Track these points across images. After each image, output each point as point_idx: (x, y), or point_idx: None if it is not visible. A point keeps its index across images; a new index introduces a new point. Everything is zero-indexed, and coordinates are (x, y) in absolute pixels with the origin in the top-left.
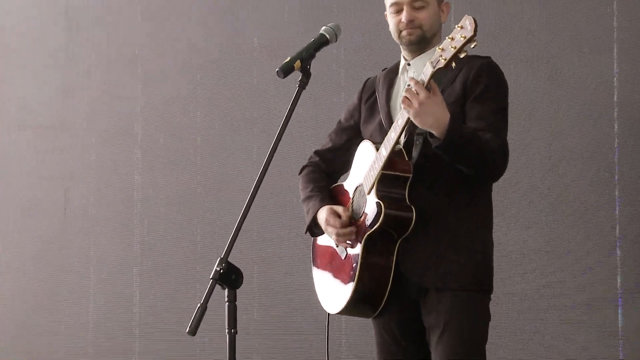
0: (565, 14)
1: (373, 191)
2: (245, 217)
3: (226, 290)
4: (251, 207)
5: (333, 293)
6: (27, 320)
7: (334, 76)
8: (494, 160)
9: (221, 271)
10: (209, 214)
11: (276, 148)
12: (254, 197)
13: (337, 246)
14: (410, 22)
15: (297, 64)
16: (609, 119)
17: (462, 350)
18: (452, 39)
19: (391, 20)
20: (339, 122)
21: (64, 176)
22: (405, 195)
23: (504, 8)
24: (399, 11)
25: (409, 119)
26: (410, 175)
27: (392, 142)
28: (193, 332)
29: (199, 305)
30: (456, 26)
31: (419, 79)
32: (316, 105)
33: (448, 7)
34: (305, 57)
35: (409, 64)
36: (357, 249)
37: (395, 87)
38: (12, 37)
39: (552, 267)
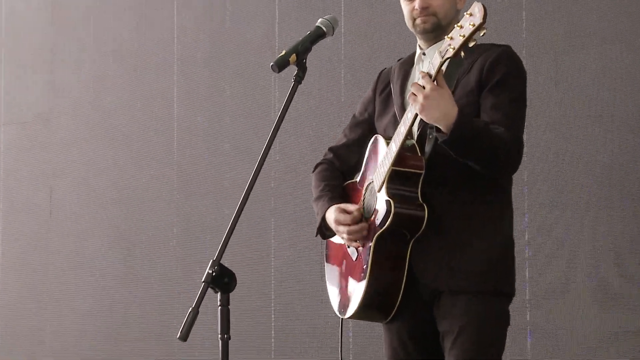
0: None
1: (383, 188)
2: (238, 218)
3: (219, 294)
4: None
5: (344, 297)
6: (13, 323)
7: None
8: (507, 156)
9: (213, 274)
10: (201, 213)
11: (271, 145)
12: (248, 197)
13: (349, 247)
14: (424, 9)
15: (293, 57)
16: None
17: (477, 357)
18: (461, 27)
19: (405, 7)
20: (354, 116)
21: (50, 174)
22: (417, 192)
23: None
24: None
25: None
26: (423, 172)
27: (401, 137)
28: (184, 337)
29: (190, 309)
30: (465, 13)
31: (427, 70)
32: (313, 101)
33: None
34: (301, 51)
35: (424, 54)
36: (369, 250)
37: (410, 78)
38: None
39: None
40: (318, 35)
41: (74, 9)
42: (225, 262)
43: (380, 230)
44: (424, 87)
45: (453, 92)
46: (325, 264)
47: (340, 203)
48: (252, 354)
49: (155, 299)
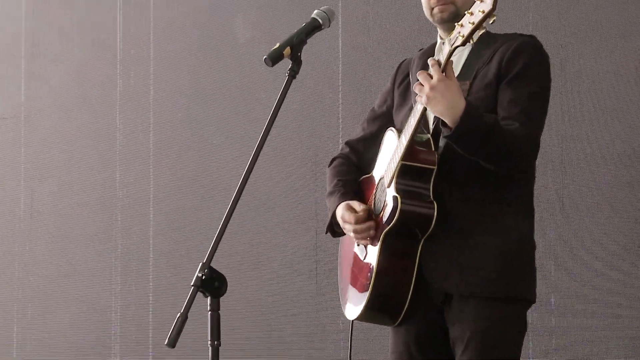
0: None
1: (393, 184)
2: (229, 219)
3: (209, 298)
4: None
5: (352, 298)
6: None
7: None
8: (519, 155)
9: (203, 277)
10: (190, 213)
11: (264, 142)
12: (239, 197)
13: (358, 245)
14: None
15: (287, 50)
16: None
17: None
18: (471, 13)
19: None
20: (372, 109)
21: (30, 173)
22: (429, 189)
23: None
24: None
25: None
26: (435, 168)
27: (411, 129)
28: (172, 343)
29: (178, 314)
30: (476, 0)
31: (437, 59)
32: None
33: None
34: (296, 44)
35: (443, 43)
36: (376, 249)
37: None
38: None
39: None
40: (314, 27)
41: None
42: (215, 265)
43: (387, 228)
44: (432, 77)
45: (471, 84)
46: (338, 264)
47: (352, 199)
48: None
49: (143, 304)
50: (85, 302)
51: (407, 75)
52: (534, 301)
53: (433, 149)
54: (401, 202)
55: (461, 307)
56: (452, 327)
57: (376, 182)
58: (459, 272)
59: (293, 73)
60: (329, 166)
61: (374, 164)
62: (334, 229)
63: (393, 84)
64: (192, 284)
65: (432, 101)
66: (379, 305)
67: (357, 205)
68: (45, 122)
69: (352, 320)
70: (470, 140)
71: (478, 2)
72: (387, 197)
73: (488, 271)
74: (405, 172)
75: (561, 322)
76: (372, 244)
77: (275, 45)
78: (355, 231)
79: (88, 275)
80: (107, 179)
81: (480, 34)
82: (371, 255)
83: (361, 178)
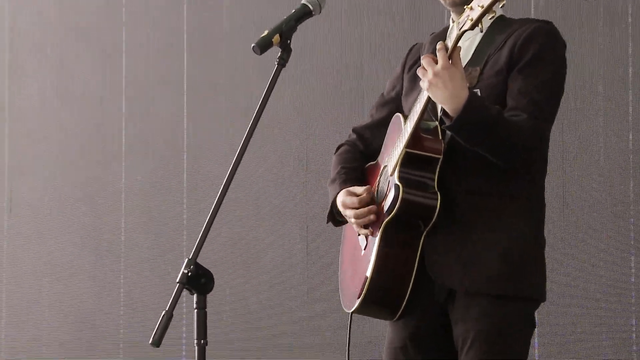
0: None
1: (396, 172)
2: (216, 214)
3: (195, 295)
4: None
5: (350, 289)
6: None
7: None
8: (524, 148)
9: (189, 274)
10: (175, 208)
11: (251, 136)
12: (227, 190)
13: (359, 235)
14: None
15: (276, 38)
16: None
17: None
18: None
19: None
20: (381, 95)
21: (10, 168)
22: (433, 179)
23: None
24: None
25: None
26: (440, 157)
27: (416, 116)
28: (157, 342)
29: (163, 312)
30: None
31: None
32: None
33: None
34: (285, 31)
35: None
36: (376, 239)
37: None
38: None
39: None
40: (304, 13)
41: None
42: (201, 261)
43: (388, 218)
44: (436, 63)
45: (482, 70)
46: (340, 254)
47: (353, 186)
48: None
49: (127, 302)
50: (64, 298)
51: (418, 59)
52: (543, 300)
53: (440, 137)
54: (403, 191)
55: (467, 303)
56: (455, 326)
57: (381, 169)
58: (462, 268)
59: (282, 62)
60: (334, 153)
61: (380, 151)
62: (336, 218)
63: (403, 68)
64: (177, 280)
65: (433, 88)
66: (377, 298)
67: (359, 190)
68: (25, 115)
69: (351, 313)
70: (472, 131)
71: None
72: (390, 186)
73: (492, 268)
74: (409, 161)
75: (561, 321)
76: (372, 235)
77: (263, 32)
78: (356, 216)
79: (68, 271)
80: (89, 174)
81: (493, 18)
82: (371, 245)
83: (367, 165)
